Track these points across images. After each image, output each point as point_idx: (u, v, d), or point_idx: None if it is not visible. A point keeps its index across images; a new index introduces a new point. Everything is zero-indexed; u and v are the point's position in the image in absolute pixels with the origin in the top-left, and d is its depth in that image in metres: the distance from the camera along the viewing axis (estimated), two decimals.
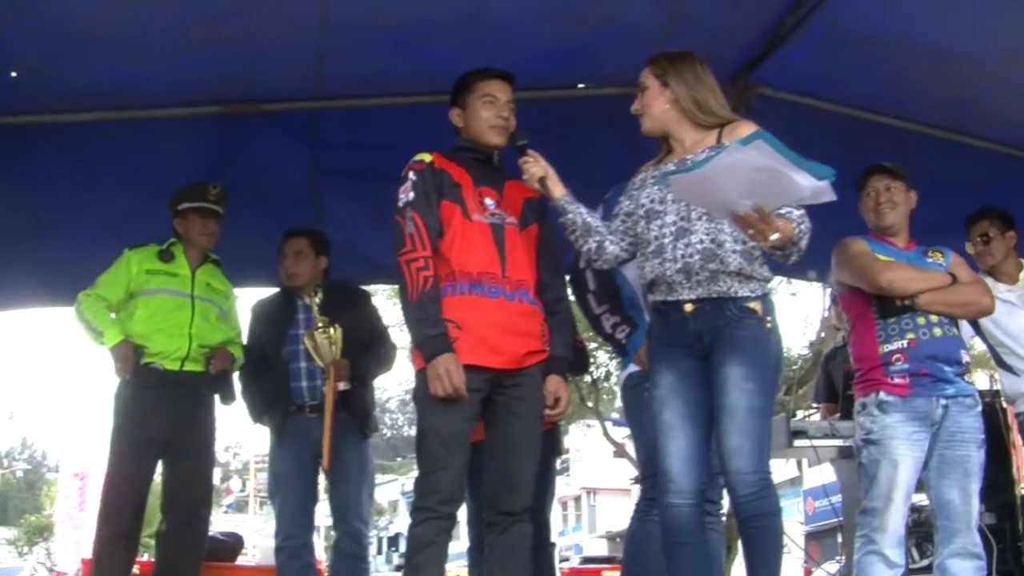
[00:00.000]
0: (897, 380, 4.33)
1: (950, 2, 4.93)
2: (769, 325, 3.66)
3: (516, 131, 4.01)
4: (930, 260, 4.55)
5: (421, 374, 3.82)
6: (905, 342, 4.36)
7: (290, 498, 5.33)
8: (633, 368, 4.48)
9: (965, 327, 5.46)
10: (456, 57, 4.93)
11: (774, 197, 3.30)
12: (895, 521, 4.23)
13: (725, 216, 3.48)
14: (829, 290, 7.44)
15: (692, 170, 3.37)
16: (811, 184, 3.20)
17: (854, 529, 4.42)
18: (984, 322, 5.53)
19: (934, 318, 4.39)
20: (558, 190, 3.86)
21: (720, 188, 3.30)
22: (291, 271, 5.47)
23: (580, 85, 5.89)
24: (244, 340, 5.56)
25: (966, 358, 4.44)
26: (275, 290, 5.71)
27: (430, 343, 3.76)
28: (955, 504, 4.28)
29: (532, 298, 3.97)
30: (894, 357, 4.36)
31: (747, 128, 3.65)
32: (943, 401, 4.31)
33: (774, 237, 3.36)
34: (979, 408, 4.41)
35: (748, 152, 3.16)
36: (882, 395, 4.34)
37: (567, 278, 4.47)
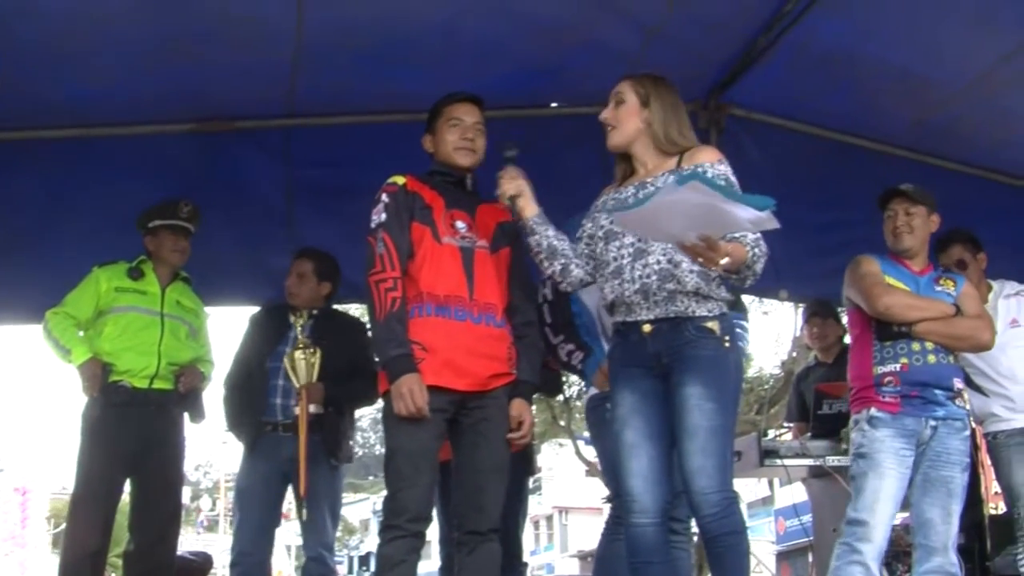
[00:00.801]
0: (888, 399, 4.43)
1: (919, 25, 4.96)
2: (727, 344, 3.65)
3: (508, 141, 3.96)
4: (939, 288, 4.62)
5: (387, 395, 3.82)
6: (898, 366, 4.45)
7: (250, 515, 5.31)
8: (595, 390, 4.50)
9: None
10: (430, 76, 4.94)
11: (717, 227, 3.33)
12: (880, 534, 4.28)
13: (674, 244, 3.49)
14: (801, 309, 7.46)
15: (634, 207, 3.39)
16: (751, 215, 3.22)
17: (825, 548, 4.44)
18: None
19: (929, 345, 4.47)
20: (530, 210, 3.85)
21: (663, 223, 3.34)
22: (290, 291, 5.48)
23: (553, 104, 5.90)
24: (235, 351, 5.55)
25: (958, 385, 4.51)
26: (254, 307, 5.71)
27: (394, 363, 3.78)
28: (935, 523, 4.33)
29: (500, 321, 3.99)
30: (886, 379, 4.45)
31: (708, 154, 3.72)
32: (932, 422, 4.40)
33: (724, 262, 3.37)
34: (967, 432, 4.48)
35: (684, 191, 3.18)
36: (873, 411, 4.44)
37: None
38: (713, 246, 3.32)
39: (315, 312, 5.40)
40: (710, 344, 3.62)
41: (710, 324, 3.63)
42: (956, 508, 4.37)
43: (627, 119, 3.81)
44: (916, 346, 4.46)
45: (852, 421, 4.56)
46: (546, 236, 3.85)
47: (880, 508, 4.30)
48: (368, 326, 5.77)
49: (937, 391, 4.42)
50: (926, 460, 4.39)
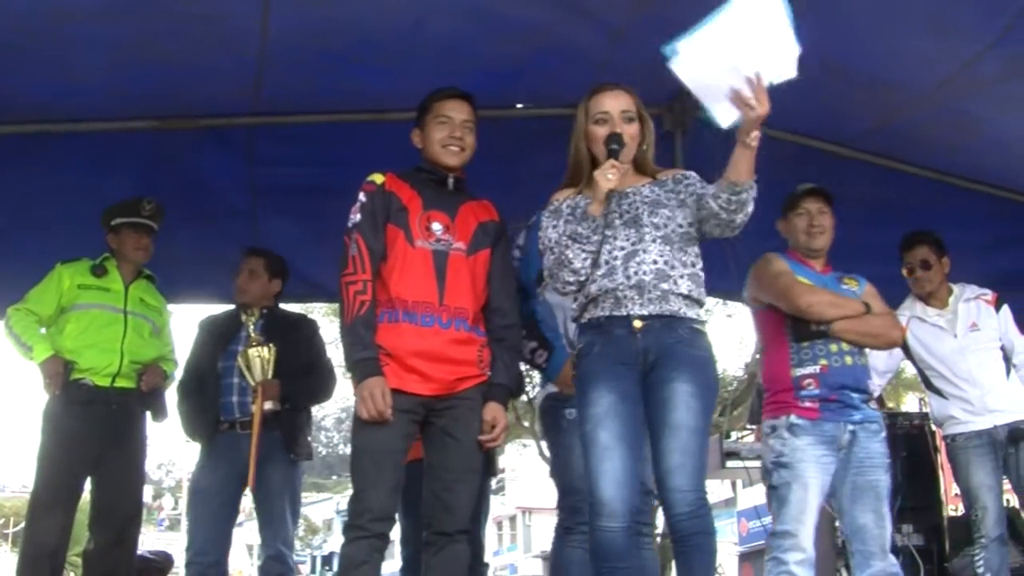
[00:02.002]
0: (807, 404, 4.36)
1: (883, 31, 4.99)
2: (712, 350, 3.74)
3: (616, 135, 3.80)
4: (845, 287, 4.60)
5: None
6: (817, 368, 4.39)
7: (205, 514, 5.27)
8: (551, 389, 4.49)
9: (896, 351, 5.55)
10: (395, 76, 4.93)
11: (763, 60, 3.45)
12: (808, 543, 4.24)
13: (722, 93, 3.55)
14: None
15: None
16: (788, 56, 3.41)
17: None
18: (914, 346, 5.63)
19: (845, 346, 4.42)
20: (600, 209, 3.71)
21: (724, 51, 3.46)
22: (241, 287, 5.46)
23: (519, 105, 5.90)
24: (184, 355, 5.52)
25: (872, 387, 4.50)
26: (226, 307, 5.68)
27: (360, 366, 3.80)
28: (869, 528, 4.31)
29: (470, 325, 3.97)
30: (805, 382, 4.39)
31: (679, 169, 3.92)
32: (850, 427, 4.35)
33: (764, 111, 3.50)
34: (884, 433, 4.45)
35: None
36: (793, 418, 4.36)
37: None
38: (760, 88, 3.47)
39: (265, 310, 5.39)
40: (703, 345, 3.70)
41: (699, 327, 3.71)
42: (887, 510, 4.35)
43: (634, 138, 3.85)
44: (834, 347, 4.41)
45: (768, 427, 4.47)
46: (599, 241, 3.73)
47: (807, 519, 4.26)
48: (318, 322, 5.83)
49: (854, 394, 4.38)
50: (851, 467, 4.34)
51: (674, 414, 3.58)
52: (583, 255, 3.68)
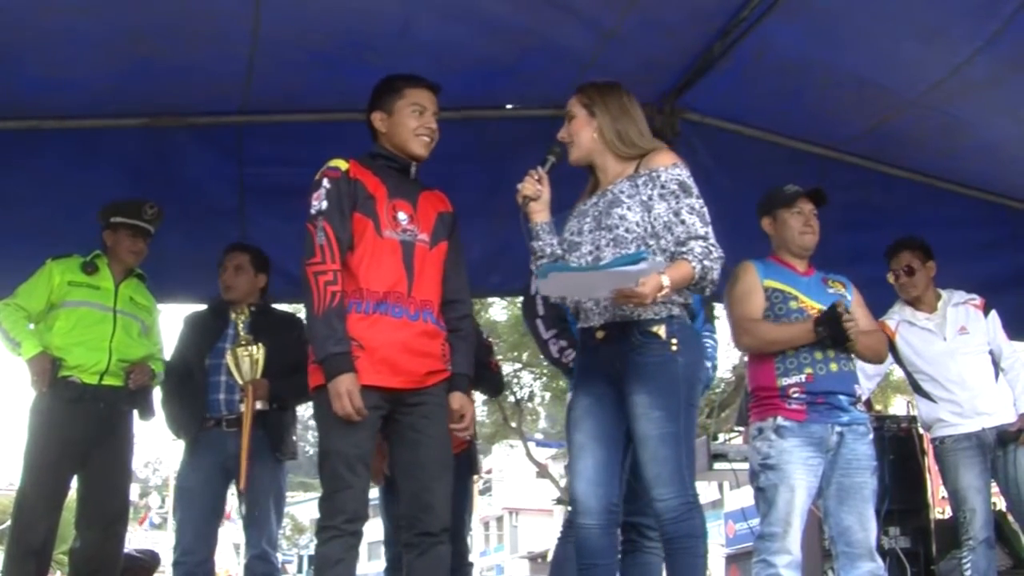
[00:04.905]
0: (794, 406, 4.35)
1: (874, 35, 5.00)
2: (675, 348, 3.61)
3: (556, 147, 3.88)
4: (831, 290, 4.55)
5: (321, 392, 3.75)
6: (803, 377, 4.38)
7: (192, 512, 5.25)
8: None
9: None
10: (385, 76, 4.92)
11: (617, 285, 3.48)
12: (795, 546, 4.25)
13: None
14: None
15: (571, 270, 3.63)
16: (636, 269, 3.42)
17: None
18: (903, 349, 5.64)
19: (831, 352, 4.40)
20: (541, 216, 3.80)
21: (579, 291, 3.71)
22: (228, 284, 5.41)
23: (509, 106, 5.90)
24: (171, 352, 5.49)
25: (859, 391, 4.47)
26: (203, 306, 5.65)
27: (333, 361, 3.69)
28: (854, 530, 4.31)
29: (436, 318, 3.93)
30: (791, 391, 4.37)
31: (663, 158, 3.71)
32: (838, 428, 4.34)
33: (661, 294, 3.46)
34: (871, 436, 4.45)
35: (555, 280, 3.63)
36: (779, 420, 4.35)
37: (519, 301, 4.45)
38: (629, 294, 3.42)
39: (254, 308, 5.37)
40: (654, 349, 3.61)
41: (655, 328, 3.62)
42: (871, 513, 4.36)
43: (580, 132, 3.82)
44: (819, 355, 4.39)
45: (755, 429, 4.46)
46: (551, 244, 3.80)
47: (794, 520, 4.26)
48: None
49: (842, 397, 4.37)
50: (838, 468, 4.34)
51: (637, 427, 3.60)
52: (537, 263, 3.82)
